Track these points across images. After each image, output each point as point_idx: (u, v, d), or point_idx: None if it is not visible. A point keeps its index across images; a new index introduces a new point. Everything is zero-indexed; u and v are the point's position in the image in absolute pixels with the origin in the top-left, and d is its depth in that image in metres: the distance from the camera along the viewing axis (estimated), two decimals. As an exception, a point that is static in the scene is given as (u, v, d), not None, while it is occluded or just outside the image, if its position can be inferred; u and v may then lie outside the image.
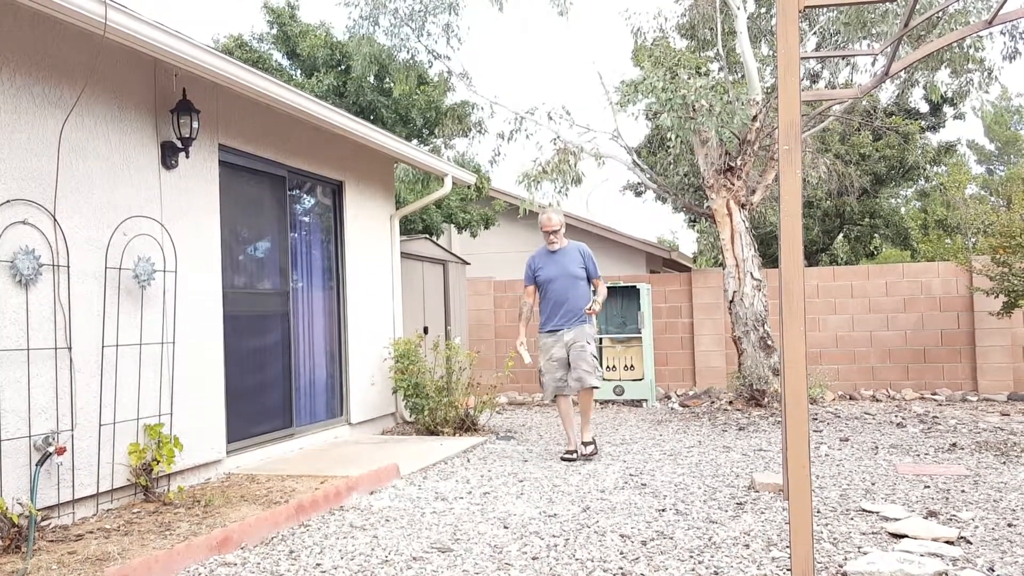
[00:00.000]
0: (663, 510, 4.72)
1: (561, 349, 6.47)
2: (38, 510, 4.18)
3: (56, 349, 4.57)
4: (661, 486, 5.39)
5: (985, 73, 11.58)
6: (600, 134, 11.07)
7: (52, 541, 4.14)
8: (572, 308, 6.48)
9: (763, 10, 12.45)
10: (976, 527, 4.20)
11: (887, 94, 15.20)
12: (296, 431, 6.98)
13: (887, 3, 6.87)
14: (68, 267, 4.66)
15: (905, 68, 6.56)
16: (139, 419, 5.11)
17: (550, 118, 11.08)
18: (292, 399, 6.95)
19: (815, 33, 11.44)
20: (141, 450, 4.98)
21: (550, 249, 6.64)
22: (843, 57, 12.31)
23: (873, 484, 5.29)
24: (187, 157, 5.61)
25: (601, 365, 10.49)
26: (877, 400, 10.42)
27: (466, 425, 7.96)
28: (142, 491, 5.02)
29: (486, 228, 14.64)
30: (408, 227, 13.25)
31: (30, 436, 4.37)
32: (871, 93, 12.77)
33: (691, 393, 11.08)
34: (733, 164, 9.65)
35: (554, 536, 4.21)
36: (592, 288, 6.65)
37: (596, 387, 6.49)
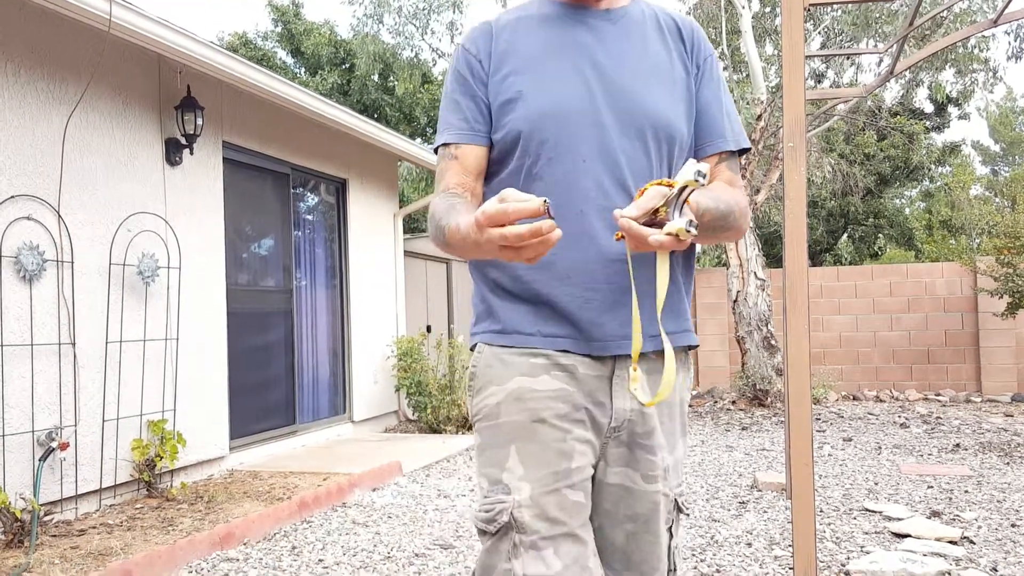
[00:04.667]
0: (665, 509, 4.71)
1: (584, 453, 1.47)
2: (41, 505, 4.19)
3: (60, 345, 4.57)
4: (664, 485, 5.38)
5: (990, 73, 11.58)
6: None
7: (55, 536, 4.14)
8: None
9: (768, 9, 12.44)
10: (979, 527, 4.20)
11: (892, 94, 15.18)
12: (299, 428, 6.98)
13: (891, 1, 6.86)
14: (72, 263, 4.66)
15: (910, 67, 6.55)
16: (142, 415, 5.11)
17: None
18: (295, 396, 6.95)
19: (820, 33, 11.43)
20: (144, 446, 4.99)
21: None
22: (848, 56, 12.31)
23: (876, 484, 5.28)
24: (191, 154, 5.62)
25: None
26: (880, 400, 10.40)
27: (469, 424, 7.96)
28: (145, 487, 5.03)
29: (489, 226, 14.64)
30: (411, 225, 13.26)
31: (33, 431, 4.38)
32: (876, 93, 12.76)
33: (694, 392, 11.09)
34: (737, 163, 9.63)
35: (556, 534, 4.20)
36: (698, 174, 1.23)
37: None
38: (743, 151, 1.60)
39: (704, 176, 1.20)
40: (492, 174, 1.56)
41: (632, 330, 1.41)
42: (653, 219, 1.27)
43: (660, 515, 1.54)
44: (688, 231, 1.22)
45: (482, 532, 1.46)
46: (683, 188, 1.24)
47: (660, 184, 1.27)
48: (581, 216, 1.45)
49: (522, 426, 1.45)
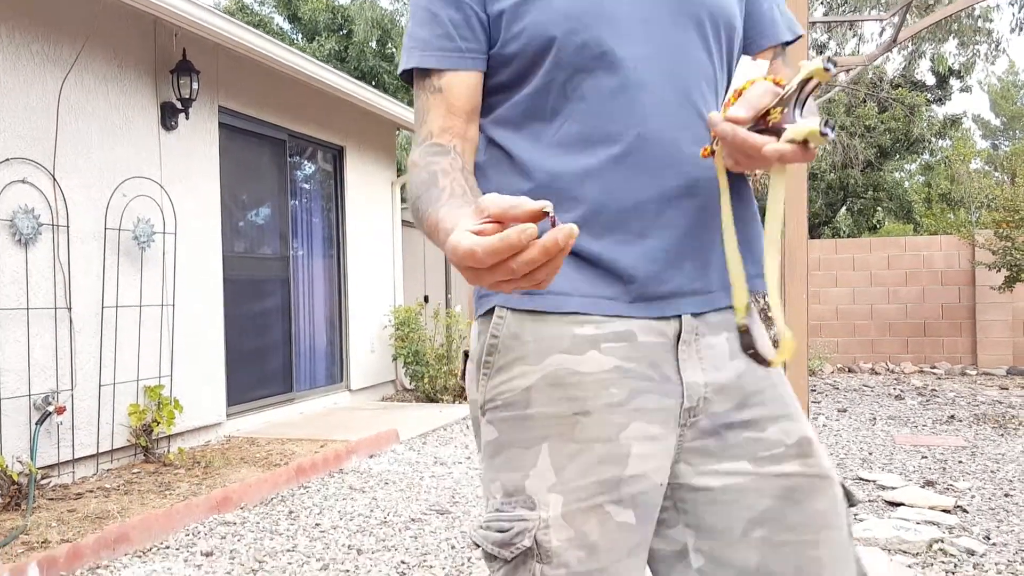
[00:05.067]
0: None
1: (642, 456, 1.06)
2: (38, 468, 4.20)
3: (56, 309, 4.56)
4: (659, 453, 5.40)
5: (993, 45, 11.48)
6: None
7: (52, 499, 4.16)
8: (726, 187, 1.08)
9: (771, -22, 12.31)
10: (973, 496, 4.22)
11: (894, 65, 15.08)
12: (296, 396, 7.00)
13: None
14: (68, 227, 4.64)
15: (912, 37, 6.50)
16: (139, 380, 5.11)
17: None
18: (292, 364, 6.96)
19: (822, 3, 11.31)
20: (141, 411, 4.99)
21: None
22: (851, 24, 12.20)
23: (870, 454, 5.31)
24: (187, 118, 5.56)
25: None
26: (876, 373, 10.44)
27: (465, 393, 7.98)
28: (142, 452, 5.04)
29: (488, 197, 14.57)
30: (409, 194, 13.21)
31: (30, 395, 4.38)
32: (877, 64, 12.66)
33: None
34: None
35: (552, 500, 4.22)
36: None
37: None
38: (795, 40, 1.26)
39: (835, 65, 0.87)
40: (500, 101, 1.14)
41: (731, 278, 1.07)
42: (763, 125, 0.92)
43: (807, 501, 1.07)
44: (824, 134, 0.85)
45: (491, 557, 1.05)
46: (805, 81, 0.88)
47: (766, 80, 0.93)
48: (640, 141, 1.07)
49: (559, 419, 1.05)
